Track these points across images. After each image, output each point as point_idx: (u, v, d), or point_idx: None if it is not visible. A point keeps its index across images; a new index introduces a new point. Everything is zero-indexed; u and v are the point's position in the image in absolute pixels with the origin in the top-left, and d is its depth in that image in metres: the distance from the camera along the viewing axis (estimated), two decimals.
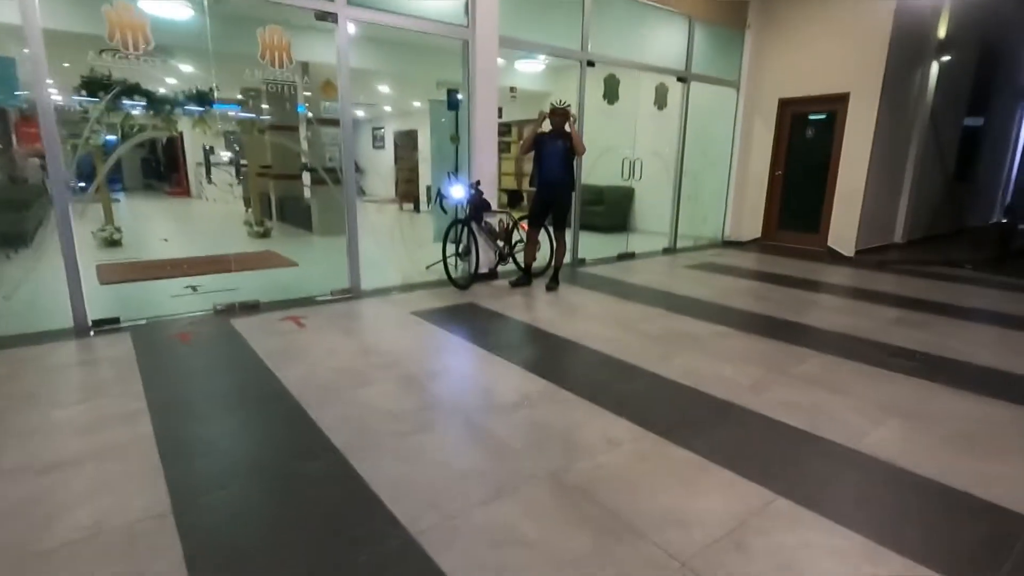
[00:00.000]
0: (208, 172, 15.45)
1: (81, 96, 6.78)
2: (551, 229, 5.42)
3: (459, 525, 1.86)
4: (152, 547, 1.74)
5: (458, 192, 5.22)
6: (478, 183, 5.28)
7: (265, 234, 8.53)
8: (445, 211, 5.35)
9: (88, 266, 5.94)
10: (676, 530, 1.86)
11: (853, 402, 2.92)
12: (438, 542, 1.78)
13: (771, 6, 7.73)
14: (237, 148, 13.59)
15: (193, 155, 16.17)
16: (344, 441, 2.39)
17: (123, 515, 1.89)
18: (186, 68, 8.78)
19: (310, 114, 8.78)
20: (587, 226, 6.98)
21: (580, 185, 6.16)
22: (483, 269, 5.60)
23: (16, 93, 4.33)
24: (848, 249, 7.34)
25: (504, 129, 5.51)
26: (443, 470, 2.20)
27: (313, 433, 2.47)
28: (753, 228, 8.42)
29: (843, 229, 7.40)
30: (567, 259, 6.00)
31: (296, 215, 10.09)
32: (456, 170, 5.67)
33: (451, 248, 5.32)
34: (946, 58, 7.74)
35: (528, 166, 5.53)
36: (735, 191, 8.35)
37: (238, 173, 13.42)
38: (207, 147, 15.38)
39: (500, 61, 5.50)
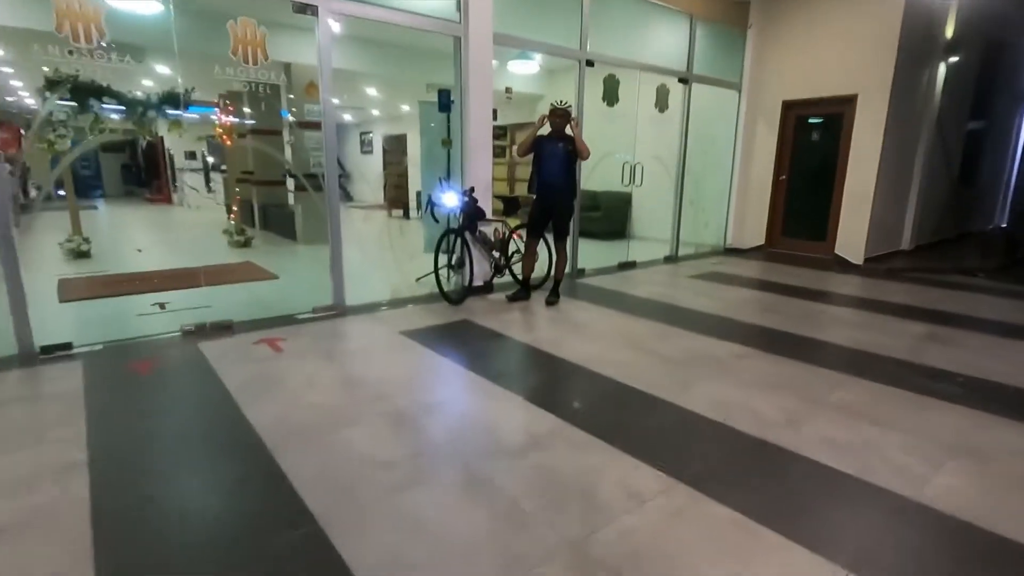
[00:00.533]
0: (173, 178, 14.99)
1: (47, 98, 6.35)
2: (550, 239, 5.06)
3: None
4: None
5: (451, 200, 4.85)
6: (472, 190, 4.91)
7: (246, 243, 8.09)
8: (437, 220, 4.97)
9: (50, 281, 5.51)
10: None
11: (903, 438, 2.57)
12: None
13: (773, 6, 7.46)
14: (205, 153, 13.11)
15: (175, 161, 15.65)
16: (323, 505, 1.99)
17: None
18: (162, 70, 8.36)
19: (292, 118, 8.36)
20: (584, 233, 6.64)
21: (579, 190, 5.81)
22: (478, 282, 5.22)
23: None
24: (857, 257, 7.05)
25: (499, 132, 5.12)
26: (443, 545, 1.81)
27: (285, 495, 2.07)
28: (756, 235, 8.12)
29: (851, 236, 7.12)
30: (567, 269, 5.63)
31: (279, 223, 9.65)
32: (448, 176, 5.29)
33: (443, 259, 4.94)
34: (954, 59, 7.50)
35: (524, 171, 5.16)
36: (737, 197, 8.05)
37: (208, 180, 12.93)
38: (170, 153, 14.91)
39: (493, 62, 5.14)
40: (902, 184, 7.56)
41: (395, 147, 15.78)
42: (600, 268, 6.65)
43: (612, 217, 9.23)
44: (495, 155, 5.43)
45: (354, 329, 4.20)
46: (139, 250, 7.68)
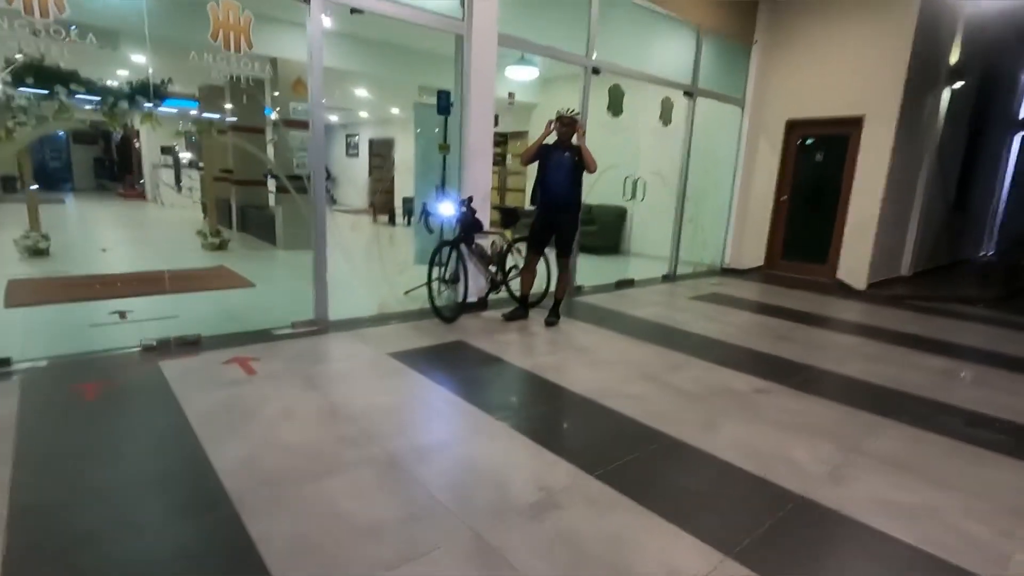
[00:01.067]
0: (130, 171, 14.39)
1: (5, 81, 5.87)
2: (551, 255, 4.73)
3: None
4: None
5: (447, 209, 4.49)
6: (470, 199, 4.55)
7: (221, 246, 7.61)
8: (431, 230, 4.60)
9: None
10: None
11: (964, 501, 2.27)
12: None
13: (779, 23, 7.29)
14: (176, 148, 12.55)
15: (149, 155, 15.02)
16: None
17: None
18: (139, 59, 7.89)
19: (275, 116, 7.92)
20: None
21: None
22: (472, 298, 4.86)
23: None
24: (859, 282, 6.86)
25: (499, 139, 4.79)
26: None
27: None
28: (755, 256, 7.91)
29: (854, 261, 6.93)
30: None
31: (259, 225, 9.17)
32: (443, 183, 4.94)
33: (436, 272, 4.56)
34: (958, 84, 7.42)
35: (518, 180, 4.82)
36: (737, 216, 7.83)
37: (178, 178, 12.36)
38: (136, 146, 14.31)
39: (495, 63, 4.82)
40: (903, 209, 7.42)
41: (383, 151, 15.37)
42: (598, 286, 6.34)
43: (607, 232, 8.95)
44: (496, 163, 5.09)
45: (337, 349, 3.80)
46: (103, 249, 7.15)
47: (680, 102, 6.78)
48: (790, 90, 7.33)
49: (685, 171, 6.99)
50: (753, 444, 2.68)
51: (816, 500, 2.21)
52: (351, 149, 17.12)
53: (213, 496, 2.03)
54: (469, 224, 4.58)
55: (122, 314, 4.22)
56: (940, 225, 8.66)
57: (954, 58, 7.30)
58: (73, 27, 3.39)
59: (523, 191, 10.85)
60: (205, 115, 9.55)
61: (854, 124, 6.80)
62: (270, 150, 9.60)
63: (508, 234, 4.97)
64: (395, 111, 13.81)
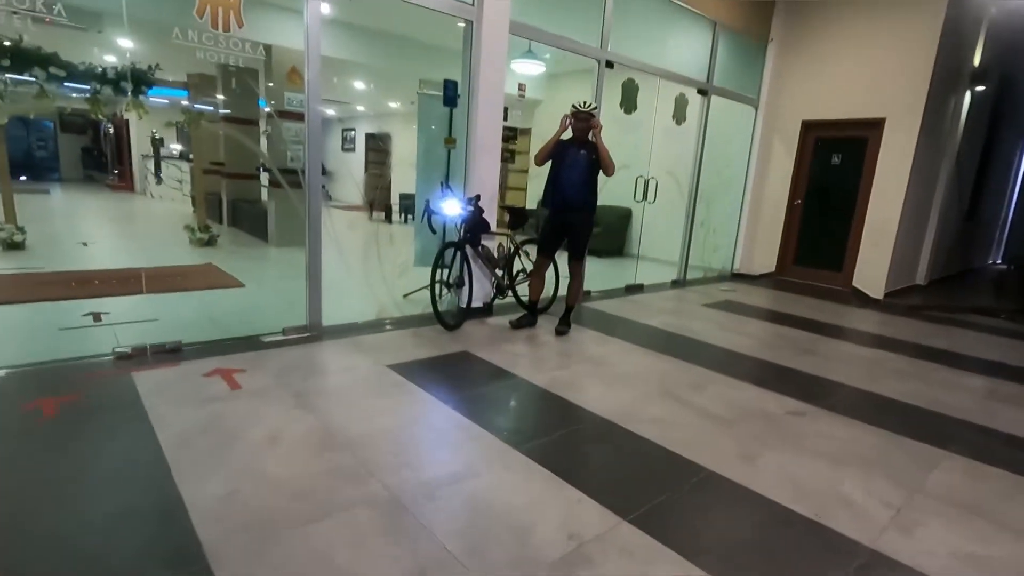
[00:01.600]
0: (120, 162, 13.98)
1: None
2: (555, 258, 4.42)
3: None
4: None
5: (453, 208, 4.17)
6: (477, 198, 4.24)
7: (210, 242, 7.24)
8: (434, 230, 4.28)
9: None
10: None
11: None
12: None
13: (797, 20, 7.02)
14: (155, 134, 12.15)
15: (139, 146, 14.58)
16: None
17: None
18: (126, 43, 7.51)
19: (270, 107, 7.56)
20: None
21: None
22: (477, 303, 4.55)
23: None
24: (876, 291, 6.59)
25: (509, 134, 4.49)
26: None
27: None
28: (766, 261, 7.64)
29: (871, 269, 6.66)
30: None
31: (250, 221, 8.80)
32: (448, 180, 4.62)
33: (438, 275, 4.23)
34: (980, 88, 7.17)
35: (518, 179, 4.51)
36: (748, 219, 7.56)
37: (158, 169, 11.96)
38: (108, 131, 13.91)
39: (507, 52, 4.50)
40: (921, 216, 7.17)
41: (380, 146, 15.02)
42: (606, 290, 6.05)
43: (611, 234, 8.66)
44: (504, 159, 4.78)
45: (332, 359, 3.47)
46: (84, 244, 6.77)
47: (694, 100, 6.49)
48: (806, 90, 7.06)
49: (698, 172, 6.70)
50: (800, 479, 2.38)
51: (887, 554, 1.91)
52: (347, 144, 16.73)
53: (183, 547, 1.70)
54: (476, 224, 4.27)
55: (96, 316, 3.87)
56: (954, 233, 8.43)
57: (977, 60, 7.05)
58: (56, 6, 3.06)
59: (524, 190, 10.52)
60: (196, 106, 9.18)
61: (874, 126, 6.53)
62: (263, 142, 9.26)
63: (515, 236, 4.66)
64: (394, 105, 13.45)
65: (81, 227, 8.51)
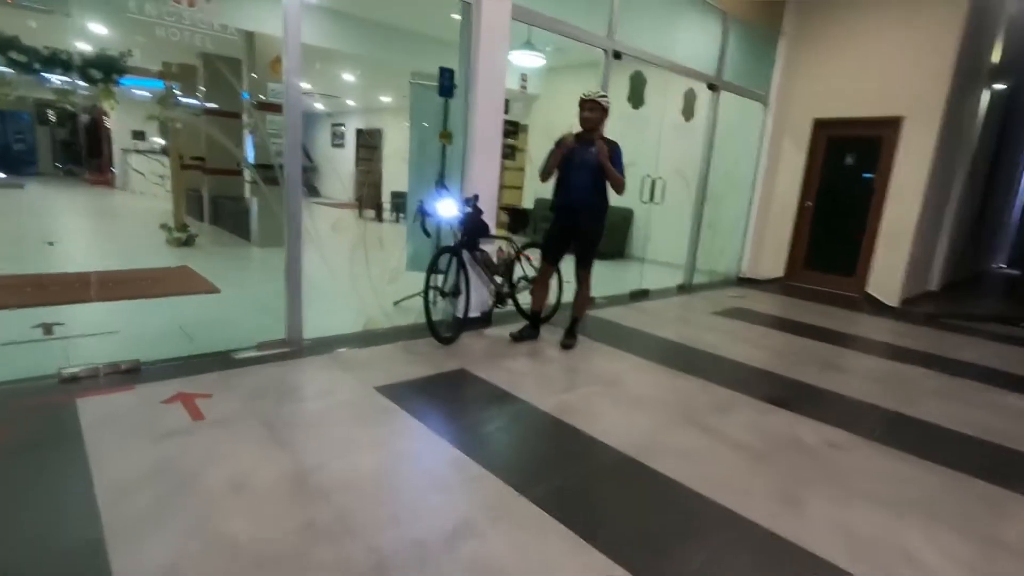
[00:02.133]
0: (99, 156, 13.50)
1: None
2: (559, 268, 4.05)
3: None
4: None
5: (448, 209, 3.79)
6: (476, 198, 3.86)
7: (188, 242, 6.81)
8: (428, 233, 3.89)
9: None
10: None
11: None
12: None
13: (810, 13, 6.69)
14: (106, 114, 11.64)
15: (120, 140, 14.06)
16: None
17: None
18: (98, 28, 7.06)
19: (258, 99, 7.12)
20: None
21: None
22: (474, 313, 4.17)
23: None
24: (892, 298, 6.28)
25: (510, 129, 4.10)
26: None
27: None
28: (774, 265, 7.31)
29: (886, 274, 6.36)
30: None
31: (234, 219, 8.36)
32: (443, 178, 4.23)
33: (432, 282, 3.85)
34: (999, 86, 6.88)
35: (514, 177, 4.13)
36: (756, 221, 7.22)
37: (109, 159, 11.48)
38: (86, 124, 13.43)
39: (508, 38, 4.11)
40: (936, 219, 6.88)
41: (370, 142, 14.59)
42: (611, 296, 5.69)
43: (612, 235, 8.29)
44: (505, 156, 4.40)
45: (312, 380, 3.08)
46: (50, 243, 6.32)
47: (703, 95, 6.14)
48: (819, 87, 6.73)
49: (706, 171, 6.36)
50: (856, 531, 2.03)
51: None
52: (337, 139, 16.28)
53: None
54: (474, 227, 3.89)
55: (47, 328, 3.45)
56: (965, 236, 8.16)
57: (996, 57, 6.76)
58: None
59: (520, 188, 10.16)
60: (179, 98, 8.72)
61: (891, 125, 6.22)
62: (247, 137, 8.81)
63: (516, 239, 4.30)
64: (385, 100, 13.03)
65: (51, 224, 8.03)
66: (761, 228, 7.26)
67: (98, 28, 7.30)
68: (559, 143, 3.64)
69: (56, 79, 5.82)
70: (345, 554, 1.70)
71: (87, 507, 1.83)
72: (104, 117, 13.90)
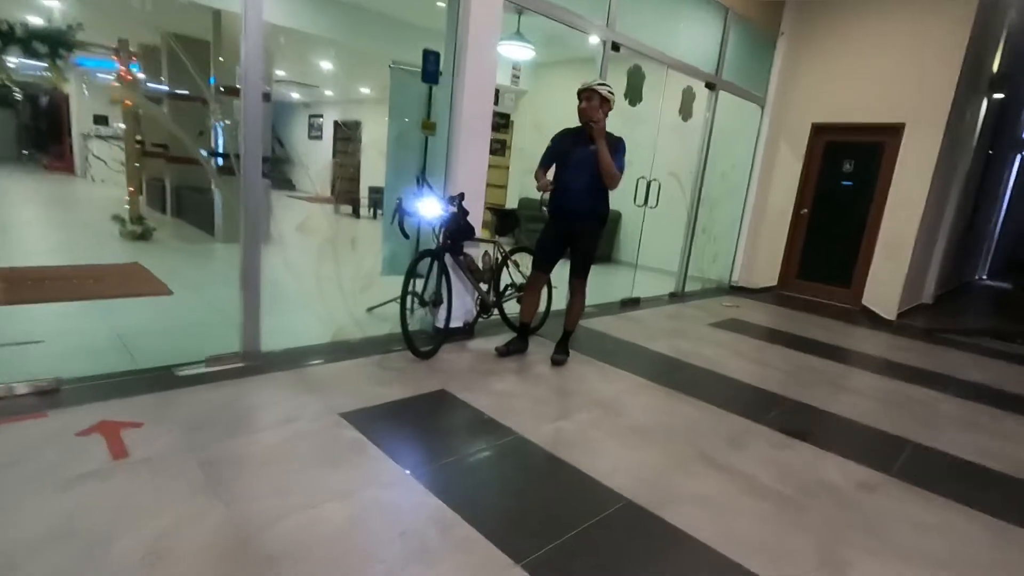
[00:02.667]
0: (59, 142, 12.76)
1: None
2: (552, 275, 3.68)
3: None
4: None
5: (430, 209, 3.38)
6: (461, 197, 3.46)
7: (143, 235, 6.26)
8: (407, 235, 3.48)
9: None
10: None
11: None
12: None
13: (810, 14, 6.44)
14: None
15: (79, 124, 13.27)
16: None
17: None
18: (51, 2, 6.47)
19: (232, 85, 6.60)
20: None
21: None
22: (456, 322, 3.78)
23: None
24: (889, 311, 6.07)
25: (500, 121, 3.71)
26: None
27: None
28: (768, 274, 7.06)
29: (883, 287, 6.14)
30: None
31: (197, 211, 7.80)
32: (424, 174, 3.83)
33: (411, 289, 3.44)
34: (998, 95, 6.73)
35: (497, 175, 3.74)
36: (750, 228, 6.96)
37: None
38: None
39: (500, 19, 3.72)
40: (933, 229, 6.70)
41: (349, 134, 14.04)
42: (600, 305, 5.36)
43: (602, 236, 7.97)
44: (494, 150, 4.01)
45: (267, 404, 2.64)
46: None
47: (701, 94, 5.84)
48: (818, 90, 6.49)
49: (702, 174, 6.06)
50: None
51: None
52: (314, 131, 15.66)
53: None
54: (458, 229, 3.49)
55: None
56: (956, 247, 8.03)
57: (995, 66, 6.60)
58: None
59: (504, 187, 9.77)
60: (136, 80, 8.11)
61: (892, 132, 6.00)
62: (214, 124, 8.24)
63: (503, 243, 3.92)
64: (365, 91, 12.51)
65: None
66: (755, 235, 7.01)
67: (51, 1, 6.69)
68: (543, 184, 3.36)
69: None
70: None
71: None
72: (66, 99, 13.13)
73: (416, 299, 3.57)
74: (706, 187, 6.15)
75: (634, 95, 5.01)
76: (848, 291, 6.51)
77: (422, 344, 3.42)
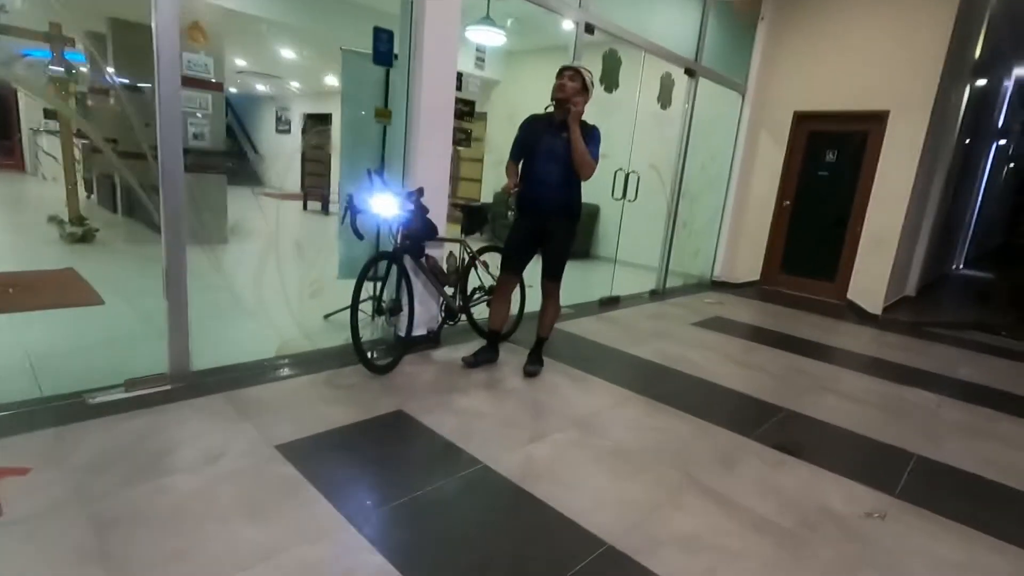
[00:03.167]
0: (8, 137, 12.03)
1: None
2: (522, 277, 3.37)
3: None
4: None
5: (386, 206, 3.03)
6: (420, 192, 3.11)
7: (85, 237, 5.77)
8: (361, 236, 3.12)
9: None
10: None
11: None
12: None
13: None
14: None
15: (28, 119, 12.54)
16: None
17: None
18: None
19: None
20: None
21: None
22: (419, 330, 3.44)
23: None
24: (874, 305, 5.88)
25: (464, 109, 3.37)
26: None
27: None
28: (750, 268, 6.85)
29: (869, 280, 5.95)
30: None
31: (150, 211, 7.28)
32: (382, 168, 3.47)
33: (366, 294, 3.09)
34: (980, 82, 6.58)
35: (470, 168, 3.42)
36: (731, 221, 6.72)
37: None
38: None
39: None
40: (917, 221, 6.54)
41: (317, 127, 13.54)
42: (578, 304, 5.06)
43: (577, 233, 7.67)
44: (457, 142, 3.66)
45: (190, 437, 2.27)
46: None
47: (680, 81, 5.55)
48: (800, 77, 6.26)
49: (682, 165, 5.79)
50: None
51: None
52: (281, 124, 15.09)
53: None
54: (418, 228, 3.15)
55: None
56: (937, 238, 7.92)
57: (977, 52, 6.44)
58: None
59: (479, 181, 9.41)
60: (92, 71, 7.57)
61: (876, 120, 5.79)
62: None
63: (471, 243, 3.58)
64: (332, 83, 12.01)
65: None
66: (736, 228, 6.78)
67: None
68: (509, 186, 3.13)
69: None
70: None
71: None
72: (14, 92, 12.40)
73: (374, 308, 3.22)
74: (686, 179, 5.88)
75: (610, 81, 4.70)
76: (833, 285, 6.32)
77: (380, 356, 3.08)
